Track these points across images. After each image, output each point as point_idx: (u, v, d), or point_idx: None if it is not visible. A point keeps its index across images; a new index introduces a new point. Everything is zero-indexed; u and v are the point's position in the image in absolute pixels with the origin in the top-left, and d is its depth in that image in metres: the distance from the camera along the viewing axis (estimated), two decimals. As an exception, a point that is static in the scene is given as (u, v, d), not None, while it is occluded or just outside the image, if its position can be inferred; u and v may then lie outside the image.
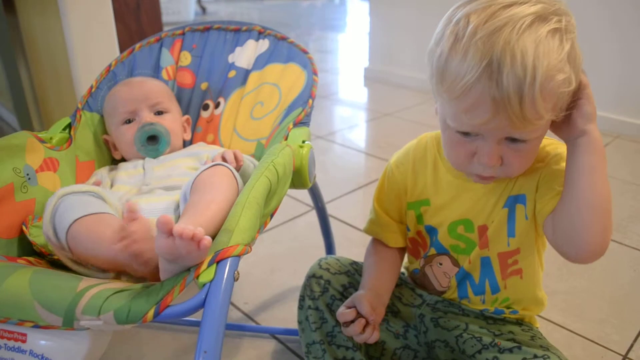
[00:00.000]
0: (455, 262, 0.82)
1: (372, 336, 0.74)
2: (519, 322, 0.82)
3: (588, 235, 0.65)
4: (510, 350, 0.74)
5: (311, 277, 0.86)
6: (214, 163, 0.80)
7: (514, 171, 0.69)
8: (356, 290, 0.85)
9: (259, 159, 0.95)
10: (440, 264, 0.83)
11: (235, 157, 0.87)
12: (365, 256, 0.90)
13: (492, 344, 0.76)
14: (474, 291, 0.82)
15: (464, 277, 0.82)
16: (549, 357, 0.71)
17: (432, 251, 0.83)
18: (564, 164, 0.69)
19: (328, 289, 0.84)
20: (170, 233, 0.55)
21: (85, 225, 0.71)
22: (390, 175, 0.86)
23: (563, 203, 0.67)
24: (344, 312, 0.76)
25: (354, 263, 0.90)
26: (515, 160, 0.66)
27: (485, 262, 0.79)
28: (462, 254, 0.80)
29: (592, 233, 0.65)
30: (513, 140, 0.65)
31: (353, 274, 0.88)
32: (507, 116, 0.59)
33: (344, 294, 0.85)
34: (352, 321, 0.75)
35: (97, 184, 0.90)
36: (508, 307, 0.82)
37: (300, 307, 0.86)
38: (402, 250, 0.90)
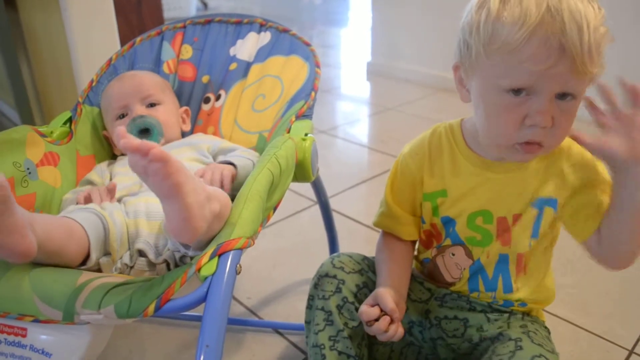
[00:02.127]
0: (469, 254, 0.81)
1: (397, 333, 0.73)
2: (526, 315, 0.82)
3: (636, 248, 0.71)
4: (497, 337, 0.77)
5: (324, 276, 0.81)
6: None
7: (559, 138, 0.68)
8: (369, 289, 0.82)
9: (261, 151, 0.94)
10: (453, 254, 0.82)
11: (223, 179, 0.81)
12: (377, 250, 0.87)
13: (481, 338, 0.79)
14: (485, 287, 0.81)
15: (477, 271, 0.81)
16: (521, 340, 0.73)
17: (447, 242, 0.82)
18: (602, 176, 0.73)
19: (341, 289, 0.80)
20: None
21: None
22: (403, 165, 0.83)
23: (615, 222, 0.71)
24: (367, 310, 0.73)
25: (366, 259, 0.87)
26: (563, 122, 0.66)
27: (503, 259, 0.79)
28: (478, 245, 0.79)
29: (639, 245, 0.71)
30: (563, 97, 0.65)
31: (367, 271, 0.84)
32: (570, 58, 0.61)
33: (357, 295, 0.81)
34: (376, 319, 0.73)
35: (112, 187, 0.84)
36: (517, 300, 0.82)
37: (309, 307, 0.82)
38: (414, 242, 0.88)
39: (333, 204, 1.47)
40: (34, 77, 1.78)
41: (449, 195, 0.79)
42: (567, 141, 0.73)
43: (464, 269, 0.82)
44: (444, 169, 0.79)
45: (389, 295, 0.74)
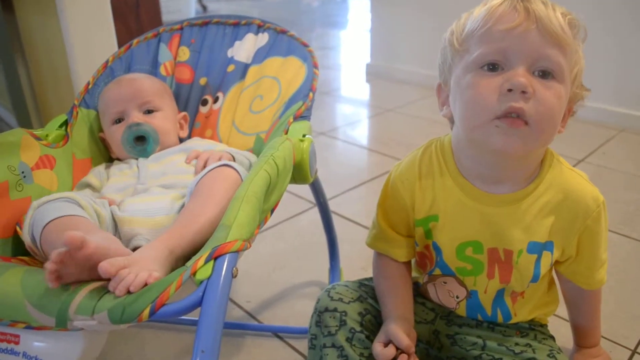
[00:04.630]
0: (462, 283, 0.78)
1: None
2: (531, 327, 0.81)
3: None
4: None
5: (323, 311, 0.77)
6: (219, 163, 0.78)
7: (544, 115, 0.63)
8: (373, 315, 0.79)
9: (258, 152, 0.94)
10: (445, 282, 0.80)
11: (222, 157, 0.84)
12: (375, 276, 0.84)
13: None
14: (484, 319, 0.81)
15: (474, 308, 0.80)
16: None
17: (437, 271, 0.80)
18: (601, 234, 0.75)
19: (345, 321, 0.76)
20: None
21: (56, 227, 0.68)
22: (393, 189, 0.80)
23: (573, 305, 0.88)
24: (383, 351, 0.70)
25: (362, 285, 0.84)
26: (547, 97, 0.63)
27: (499, 294, 0.78)
28: (469, 275, 0.77)
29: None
30: (543, 75, 0.64)
31: (366, 298, 0.81)
32: (536, 21, 0.62)
33: (362, 324, 0.77)
34: (394, 358, 0.70)
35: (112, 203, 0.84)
36: (517, 322, 0.81)
37: (312, 347, 0.78)
38: (411, 260, 0.85)
39: (333, 205, 1.46)
40: (31, 80, 1.78)
41: (440, 221, 0.76)
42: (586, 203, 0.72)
43: (459, 298, 0.80)
44: (435, 193, 0.76)
45: (400, 330, 0.72)
